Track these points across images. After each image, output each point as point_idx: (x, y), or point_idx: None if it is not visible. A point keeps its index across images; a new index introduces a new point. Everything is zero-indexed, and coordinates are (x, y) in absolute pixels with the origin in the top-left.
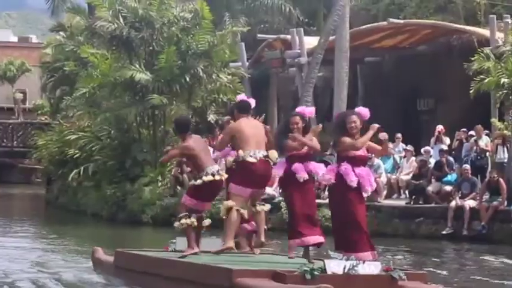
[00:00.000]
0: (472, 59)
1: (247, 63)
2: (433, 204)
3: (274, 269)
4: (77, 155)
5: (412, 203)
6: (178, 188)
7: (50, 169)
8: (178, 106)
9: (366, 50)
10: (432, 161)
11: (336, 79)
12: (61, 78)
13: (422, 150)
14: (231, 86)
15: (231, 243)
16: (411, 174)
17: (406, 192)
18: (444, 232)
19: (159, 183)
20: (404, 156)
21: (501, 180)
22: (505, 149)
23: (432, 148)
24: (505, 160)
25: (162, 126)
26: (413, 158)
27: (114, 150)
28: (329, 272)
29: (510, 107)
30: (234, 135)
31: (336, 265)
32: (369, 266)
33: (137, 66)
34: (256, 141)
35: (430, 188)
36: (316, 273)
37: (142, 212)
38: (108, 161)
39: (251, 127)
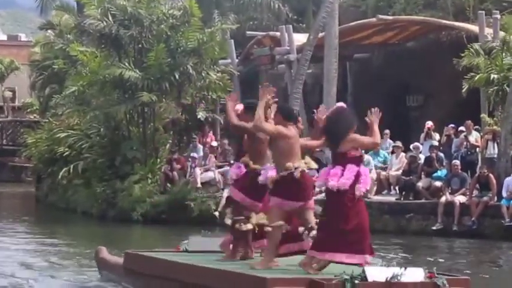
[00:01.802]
0: (462, 55)
1: (236, 61)
2: (423, 200)
3: (311, 277)
4: (66, 153)
5: (402, 198)
6: (168, 185)
7: (39, 167)
8: (168, 104)
9: (355, 47)
10: (422, 157)
11: (325, 76)
12: (50, 77)
13: (411, 146)
14: (220, 83)
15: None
16: (401, 170)
17: (396, 188)
18: (434, 228)
19: (149, 181)
20: (393, 152)
21: (491, 175)
22: (495, 144)
23: (422, 144)
24: (495, 156)
25: (152, 124)
26: (403, 154)
27: (103, 148)
28: (370, 280)
29: (500, 103)
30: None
31: (377, 272)
32: (412, 273)
33: (126, 64)
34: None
35: (420, 184)
36: (356, 281)
37: (133, 209)
38: (98, 158)
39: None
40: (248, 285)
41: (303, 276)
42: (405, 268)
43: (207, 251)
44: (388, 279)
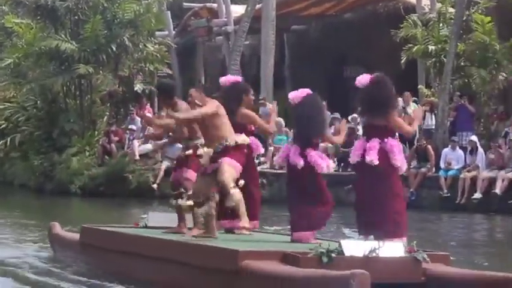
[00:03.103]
0: (400, 26)
1: (173, 32)
2: None
3: (284, 250)
4: (3, 126)
5: (340, 170)
6: (106, 157)
7: None
8: (105, 76)
9: (293, 18)
10: (360, 128)
11: (262, 47)
12: None
13: (349, 117)
14: (157, 55)
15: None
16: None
17: (335, 159)
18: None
19: (87, 153)
20: (332, 125)
21: (429, 147)
22: (433, 116)
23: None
24: (433, 127)
25: (89, 96)
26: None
27: (40, 121)
28: (347, 254)
29: (437, 74)
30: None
31: (354, 246)
32: (391, 248)
33: (63, 35)
34: None
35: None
36: (333, 255)
37: (71, 182)
38: (35, 131)
39: None
40: (219, 257)
41: (276, 249)
42: (383, 242)
43: (166, 227)
44: (366, 253)
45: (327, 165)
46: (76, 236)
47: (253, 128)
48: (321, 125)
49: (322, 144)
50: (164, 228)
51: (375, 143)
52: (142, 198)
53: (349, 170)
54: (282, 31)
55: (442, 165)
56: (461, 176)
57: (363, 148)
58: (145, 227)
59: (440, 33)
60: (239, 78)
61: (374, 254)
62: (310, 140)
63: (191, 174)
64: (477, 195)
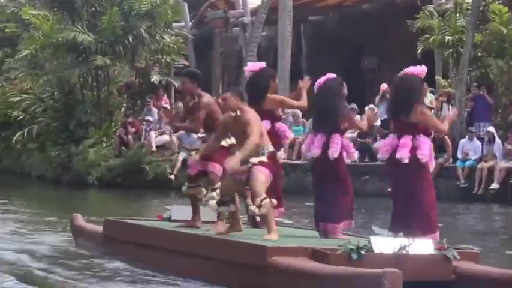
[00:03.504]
0: (416, 17)
1: (190, 24)
2: (378, 162)
3: (313, 247)
4: (20, 117)
5: (357, 160)
6: (123, 149)
7: None
8: (122, 67)
9: (310, 9)
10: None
11: (279, 38)
12: (2, 40)
13: (366, 108)
14: (174, 46)
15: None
16: (356, 133)
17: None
18: (390, 190)
19: (104, 145)
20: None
21: (446, 137)
22: (450, 106)
23: (377, 106)
24: None
25: (106, 87)
26: (358, 116)
27: (57, 112)
28: (376, 251)
29: (454, 64)
30: None
31: (384, 243)
32: (421, 245)
33: (80, 27)
34: None
35: (376, 145)
36: (362, 252)
37: (88, 173)
38: (52, 122)
39: None
40: (247, 253)
41: (305, 246)
42: (413, 239)
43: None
44: (396, 250)
45: (352, 152)
46: (98, 228)
47: (281, 114)
48: (343, 107)
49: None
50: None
51: (407, 140)
52: (159, 189)
53: (366, 160)
54: (299, 22)
55: (459, 155)
56: (479, 166)
57: (394, 145)
58: (169, 219)
59: (457, 24)
60: (263, 64)
61: (404, 252)
62: (337, 125)
63: (216, 167)
64: (494, 185)
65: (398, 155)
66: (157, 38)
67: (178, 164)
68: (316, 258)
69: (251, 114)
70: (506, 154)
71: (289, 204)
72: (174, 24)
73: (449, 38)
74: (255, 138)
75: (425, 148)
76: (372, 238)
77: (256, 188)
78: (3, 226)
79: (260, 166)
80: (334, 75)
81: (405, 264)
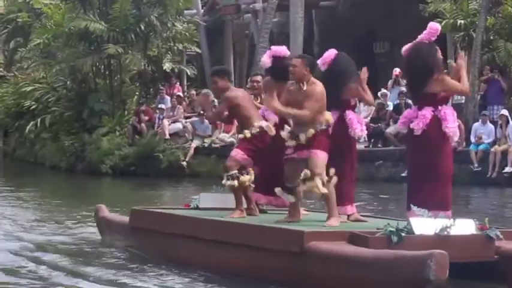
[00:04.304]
0: (428, 0)
1: (202, 11)
2: (392, 147)
3: (352, 231)
4: (33, 107)
5: (370, 146)
6: (137, 137)
7: (6, 121)
8: (134, 55)
9: None
10: (390, 104)
11: (291, 24)
12: (15, 30)
13: (379, 93)
14: (186, 34)
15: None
16: (369, 118)
17: (365, 135)
18: (403, 174)
19: (117, 133)
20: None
21: (459, 121)
22: None
23: (390, 91)
24: (462, 101)
25: (118, 76)
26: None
27: (70, 101)
28: (417, 232)
29: (466, 48)
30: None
31: (424, 225)
32: (463, 225)
33: (91, 16)
34: None
35: (389, 130)
36: (402, 234)
37: (101, 162)
38: (65, 112)
39: None
40: (284, 239)
41: (343, 230)
42: (454, 220)
43: (219, 208)
44: (437, 232)
45: (361, 129)
46: (124, 218)
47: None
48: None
49: None
50: (217, 209)
51: (427, 111)
52: (173, 177)
53: (379, 146)
54: (311, 7)
55: (472, 139)
56: (492, 150)
57: (412, 117)
58: (197, 208)
59: (469, 7)
60: (285, 49)
61: (445, 233)
62: (346, 99)
63: (236, 152)
64: (508, 169)
65: (411, 125)
66: (169, 25)
67: (191, 151)
68: (354, 242)
69: (319, 88)
70: None
71: None
72: (186, 12)
73: (461, 21)
74: (314, 110)
75: (451, 120)
76: (412, 219)
77: (317, 170)
78: (25, 216)
79: (317, 150)
80: (335, 51)
81: (447, 245)
